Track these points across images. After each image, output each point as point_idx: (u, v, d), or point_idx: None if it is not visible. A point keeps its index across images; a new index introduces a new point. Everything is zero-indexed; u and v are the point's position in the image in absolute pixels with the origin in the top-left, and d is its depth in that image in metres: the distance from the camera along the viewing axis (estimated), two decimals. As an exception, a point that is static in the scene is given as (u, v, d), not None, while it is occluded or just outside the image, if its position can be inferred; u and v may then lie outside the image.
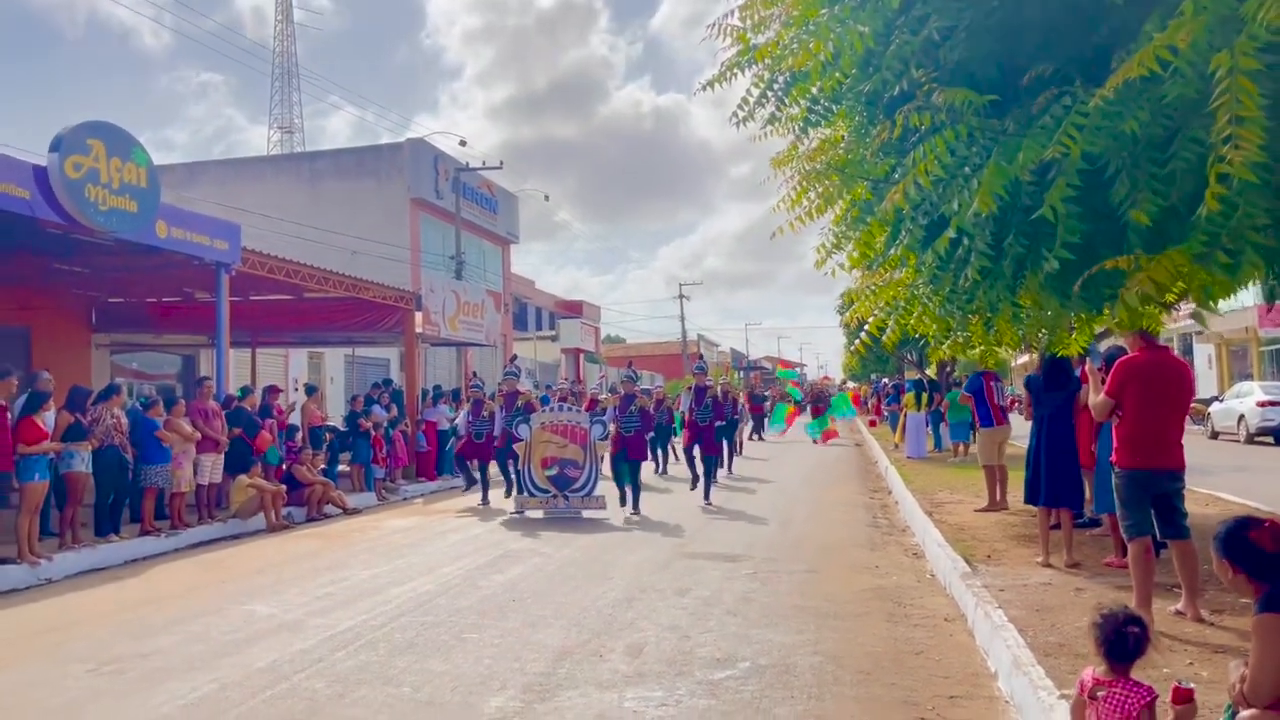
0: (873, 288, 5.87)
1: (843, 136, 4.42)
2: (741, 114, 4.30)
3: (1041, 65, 3.11)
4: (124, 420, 10.91)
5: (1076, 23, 3.13)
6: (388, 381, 20.02)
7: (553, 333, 47.71)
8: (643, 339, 75.69)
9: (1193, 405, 30.76)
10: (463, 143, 35.56)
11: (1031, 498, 8.13)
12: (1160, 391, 5.92)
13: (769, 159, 4.95)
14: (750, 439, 28.61)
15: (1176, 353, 35.80)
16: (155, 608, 7.61)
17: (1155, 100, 2.67)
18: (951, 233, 3.37)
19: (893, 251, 4.31)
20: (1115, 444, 6.10)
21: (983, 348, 7.17)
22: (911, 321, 5.27)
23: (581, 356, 49.86)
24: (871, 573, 8.39)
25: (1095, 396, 6.23)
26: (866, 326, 5.74)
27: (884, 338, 5.95)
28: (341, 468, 15.92)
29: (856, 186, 4.12)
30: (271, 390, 14.95)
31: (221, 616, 7.18)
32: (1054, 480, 7.83)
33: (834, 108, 4.18)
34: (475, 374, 21.43)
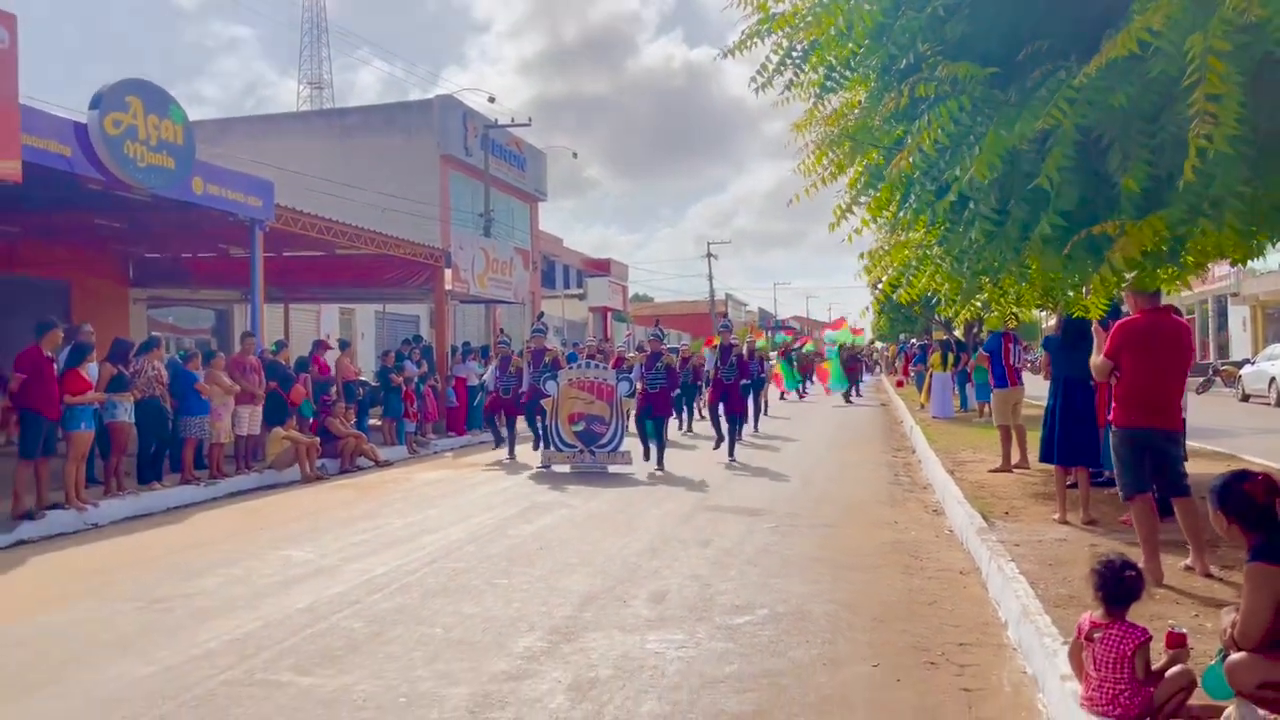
0: (886, 247, 6.02)
1: (859, 102, 4.55)
2: (761, 79, 4.45)
3: (1039, 40, 3.24)
4: (164, 373, 11.25)
5: (1072, 1, 3.25)
6: (418, 338, 20.32)
7: (580, 291, 47.87)
8: (670, 298, 75.69)
9: (1224, 368, 30.57)
10: (492, 99, 35.71)
11: (1047, 456, 8.26)
12: (1157, 353, 6.01)
13: (792, 122, 5.10)
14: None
15: (1210, 315, 35.20)
16: (198, 552, 7.94)
17: (1142, 76, 2.79)
18: (953, 196, 3.53)
19: (903, 214, 4.46)
20: (1113, 403, 6.22)
21: (999, 310, 7.27)
22: (924, 281, 5.42)
23: (609, 315, 50.03)
24: (890, 528, 8.57)
25: (1096, 357, 6.36)
26: (880, 285, 5.89)
27: (897, 295, 6.10)
28: (373, 421, 16.27)
29: (869, 152, 4.26)
30: (320, 345, 15.35)
31: (261, 561, 7.50)
32: (1070, 439, 7.94)
33: (848, 74, 4.33)
34: (503, 331, 21.65)
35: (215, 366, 12.02)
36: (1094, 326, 6.90)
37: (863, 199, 4.57)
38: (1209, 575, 5.98)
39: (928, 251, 5.12)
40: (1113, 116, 2.98)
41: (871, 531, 8.41)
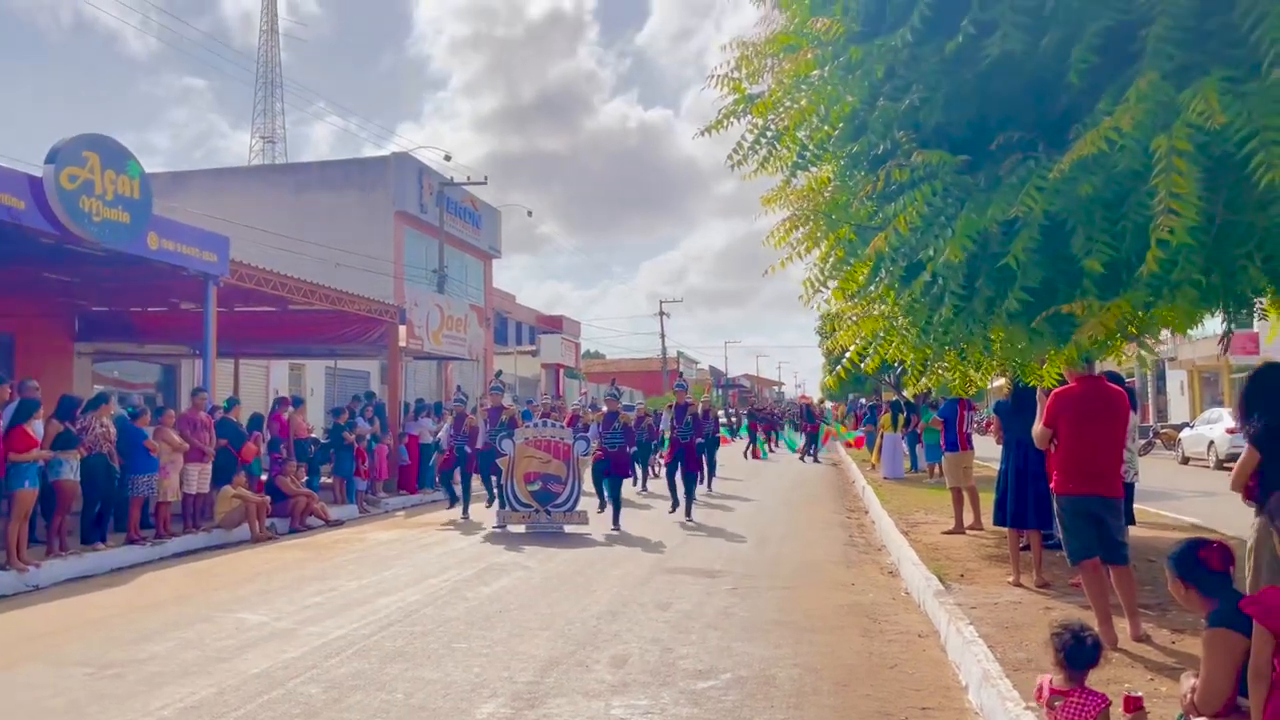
0: (854, 318, 6.19)
1: (827, 180, 4.74)
2: (736, 157, 4.63)
3: (1009, 131, 3.43)
4: (112, 429, 11.03)
5: (1040, 96, 3.45)
6: (370, 394, 20.16)
7: (533, 347, 47.89)
8: (623, 355, 76.00)
9: (1164, 431, 31.33)
10: (447, 157, 35.98)
11: (1000, 518, 8.42)
12: (1092, 420, 6.19)
13: (759, 195, 5.28)
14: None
15: (1149, 378, 36.02)
16: (147, 615, 7.75)
17: (1108, 169, 2.98)
18: (927, 276, 3.69)
19: (873, 289, 4.62)
20: (1054, 471, 6.38)
21: (959, 376, 7.48)
22: (890, 351, 5.58)
23: (561, 372, 50.03)
24: (848, 590, 8.63)
25: (1037, 425, 6.54)
26: (848, 354, 6.07)
27: (864, 365, 6.27)
28: (323, 479, 16.04)
29: (840, 229, 4.44)
30: (283, 402, 15.21)
31: (213, 624, 7.33)
32: (1022, 502, 8.11)
33: (821, 153, 4.52)
34: (459, 388, 21.57)
35: (165, 423, 11.81)
36: (1038, 393, 7.08)
37: (834, 274, 4.73)
38: (1140, 639, 6.09)
39: (894, 323, 5.29)
40: (1078, 204, 3.17)
41: (829, 593, 8.46)
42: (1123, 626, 6.15)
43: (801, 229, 4.64)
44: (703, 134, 4.53)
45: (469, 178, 34.75)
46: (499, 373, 19.35)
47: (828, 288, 4.81)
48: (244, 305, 17.37)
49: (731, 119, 4.54)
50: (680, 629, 7.09)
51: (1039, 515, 8.10)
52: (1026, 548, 8.23)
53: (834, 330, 6.86)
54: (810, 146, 4.47)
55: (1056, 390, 6.38)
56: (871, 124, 3.68)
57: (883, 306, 5.29)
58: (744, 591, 8.55)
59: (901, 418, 20.49)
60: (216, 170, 37.49)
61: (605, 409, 14.27)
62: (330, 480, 15.95)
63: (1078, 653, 3.71)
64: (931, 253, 3.44)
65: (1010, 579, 8.05)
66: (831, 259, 4.66)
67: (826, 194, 4.54)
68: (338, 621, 7.35)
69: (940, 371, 6.72)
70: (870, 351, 5.81)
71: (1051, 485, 6.46)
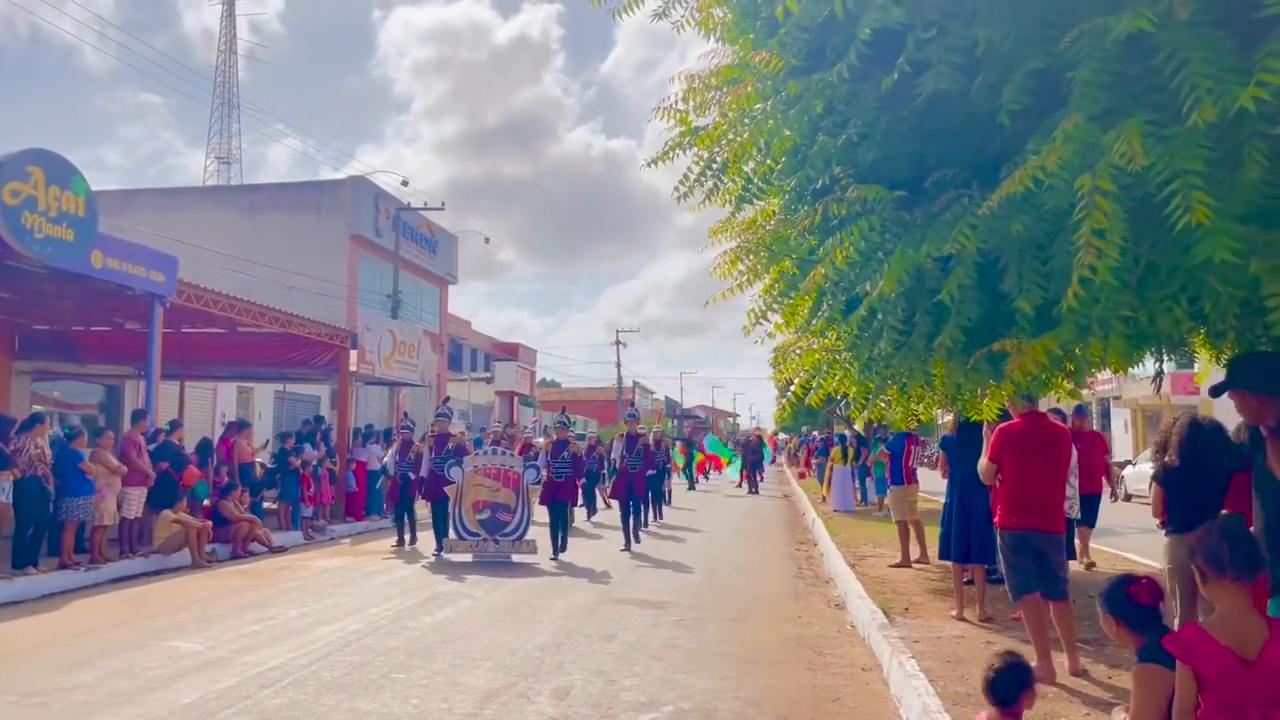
0: (799, 351, 6.25)
1: (773, 213, 4.80)
2: (683, 189, 4.68)
3: (944, 169, 3.51)
4: (48, 451, 10.77)
5: (974, 134, 3.52)
6: (319, 418, 19.89)
7: (488, 374, 47.59)
8: (579, 383, 75.85)
9: (1112, 467, 31.87)
10: (405, 183, 35.65)
11: (945, 553, 8.49)
12: (1035, 456, 6.30)
13: (708, 226, 5.34)
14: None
15: (1095, 416, 36.65)
16: (77, 642, 7.53)
17: (1037, 208, 3.05)
18: (864, 310, 3.74)
19: (815, 322, 4.68)
20: (997, 505, 6.46)
21: (902, 409, 7.57)
22: (834, 384, 5.64)
23: (516, 399, 49.78)
24: (794, 622, 8.63)
25: (982, 460, 6.63)
26: (793, 386, 6.13)
27: (809, 398, 6.32)
28: (267, 505, 15.76)
29: (783, 261, 4.49)
30: (232, 427, 15.01)
31: (145, 652, 7.14)
32: (967, 537, 8.18)
33: (765, 187, 4.59)
34: (406, 414, 21.35)
35: (103, 445, 11.55)
36: (984, 429, 7.17)
37: (776, 306, 4.78)
38: (1077, 674, 6.16)
39: (837, 356, 5.35)
40: (1010, 242, 3.23)
41: (776, 625, 8.45)
42: (1061, 661, 6.21)
43: (745, 261, 4.69)
44: (649, 165, 4.58)
45: (425, 203, 34.63)
46: (446, 399, 19.17)
47: (768, 320, 4.86)
48: (191, 326, 17.13)
49: (678, 150, 4.58)
50: (624, 660, 7.04)
51: (982, 550, 8.16)
52: (970, 582, 8.30)
53: (781, 362, 6.95)
54: (755, 180, 4.53)
55: (1001, 426, 6.47)
56: (811, 159, 3.73)
57: (824, 339, 5.35)
58: (690, 623, 8.52)
59: (851, 451, 20.63)
60: (168, 189, 36.99)
61: (554, 437, 14.20)
62: (275, 506, 15.68)
63: (1005, 686, 3.74)
64: (869, 287, 3.48)
65: (954, 613, 8.11)
66: (775, 291, 4.71)
67: (770, 226, 4.60)
68: (275, 651, 7.19)
69: (882, 405, 6.79)
70: (814, 385, 5.87)
71: (995, 520, 6.53)
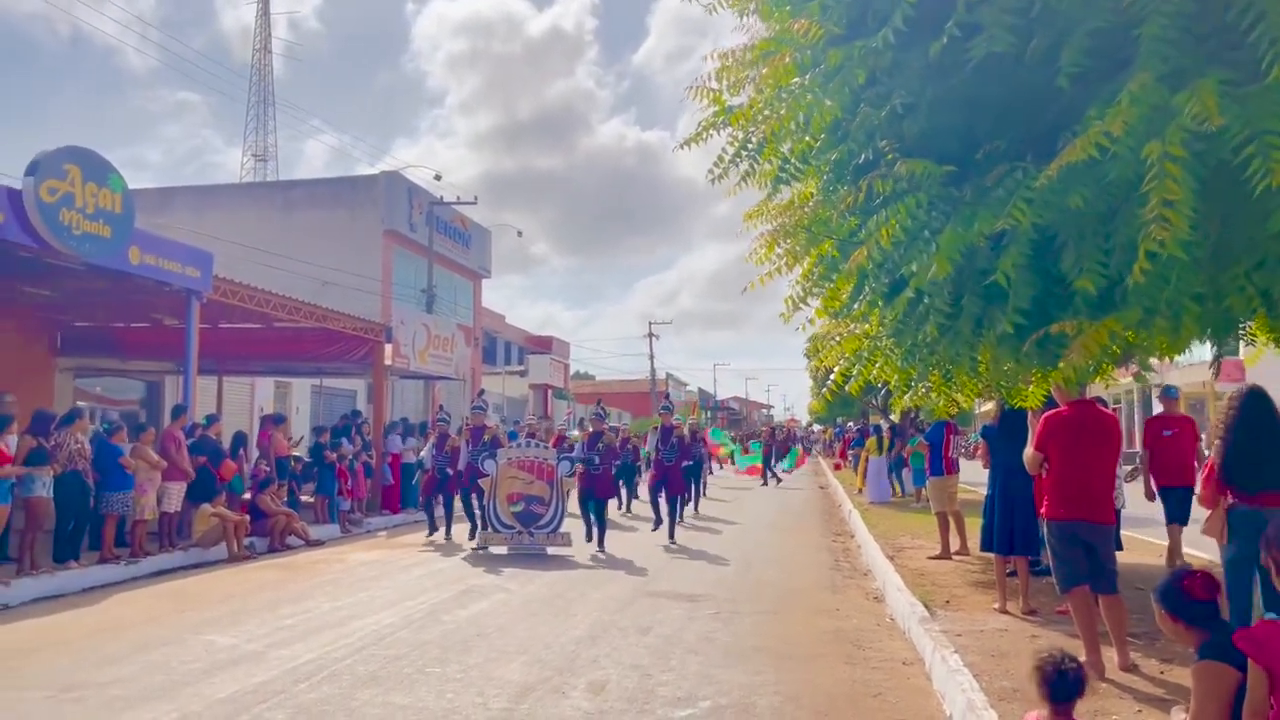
0: (838, 338, 6.08)
1: (811, 194, 4.63)
2: (718, 170, 4.50)
3: (996, 140, 3.32)
4: (87, 446, 10.85)
5: (1028, 103, 3.33)
6: (356, 413, 19.97)
7: (522, 368, 47.69)
8: (612, 376, 75.80)
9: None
10: (438, 177, 35.85)
11: (987, 544, 8.30)
12: (1083, 445, 6.09)
13: (742, 213, 5.17)
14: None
15: (1136, 404, 36.00)
16: (115, 636, 7.55)
17: (1098, 179, 2.86)
18: (910, 292, 3.57)
19: (856, 306, 4.51)
20: (1044, 495, 6.27)
21: (944, 399, 7.37)
22: (874, 372, 5.47)
23: (550, 392, 49.85)
24: (832, 615, 8.49)
25: (1028, 449, 6.43)
26: (833, 375, 5.96)
27: (849, 386, 6.15)
28: (304, 498, 15.84)
29: (823, 244, 4.32)
30: (268, 420, 15.08)
31: (182, 646, 7.14)
32: (1009, 528, 7.99)
33: (804, 167, 4.41)
34: (442, 407, 21.39)
35: (144, 441, 11.63)
36: (1029, 417, 6.98)
37: (816, 291, 4.62)
38: (1128, 669, 5.97)
39: (878, 343, 5.17)
40: (1068, 217, 3.04)
41: (813, 619, 8.32)
42: (1110, 655, 6.03)
43: (782, 245, 4.53)
44: (682, 147, 4.43)
45: (459, 197, 34.70)
46: (481, 392, 19.15)
47: (808, 305, 4.69)
48: (228, 322, 17.23)
49: (711, 131, 4.42)
50: (660, 654, 6.94)
51: (1026, 541, 7.99)
52: (1013, 574, 8.11)
53: (819, 351, 6.79)
54: (792, 159, 4.36)
55: (1047, 414, 6.28)
56: (853, 132, 3.57)
57: (865, 325, 5.18)
58: (726, 616, 8.40)
59: (886, 442, 20.39)
60: (205, 187, 37.33)
61: (590, 429, 14.12)
62: (312, 499, 15.75)
63: (1059, 685, 3.59)
64: (915, 268, 3.32)
65: (996, 606, 7.93)
66: (814, 275, 4.54)
67: (808, 208, 4.43)
68: (310, 645, 7.17)
69: (924, 393, 6.60)
70: (854, 372, 5.70)
71: (1041, 510, 6.34)
